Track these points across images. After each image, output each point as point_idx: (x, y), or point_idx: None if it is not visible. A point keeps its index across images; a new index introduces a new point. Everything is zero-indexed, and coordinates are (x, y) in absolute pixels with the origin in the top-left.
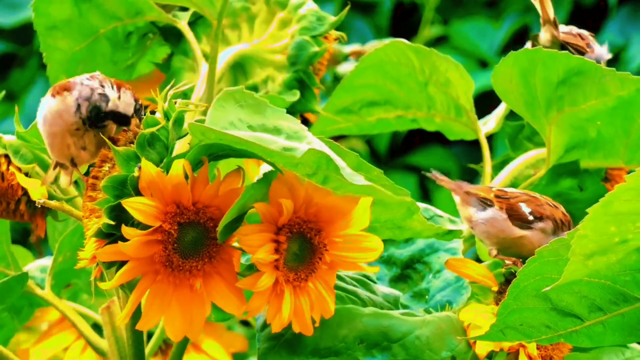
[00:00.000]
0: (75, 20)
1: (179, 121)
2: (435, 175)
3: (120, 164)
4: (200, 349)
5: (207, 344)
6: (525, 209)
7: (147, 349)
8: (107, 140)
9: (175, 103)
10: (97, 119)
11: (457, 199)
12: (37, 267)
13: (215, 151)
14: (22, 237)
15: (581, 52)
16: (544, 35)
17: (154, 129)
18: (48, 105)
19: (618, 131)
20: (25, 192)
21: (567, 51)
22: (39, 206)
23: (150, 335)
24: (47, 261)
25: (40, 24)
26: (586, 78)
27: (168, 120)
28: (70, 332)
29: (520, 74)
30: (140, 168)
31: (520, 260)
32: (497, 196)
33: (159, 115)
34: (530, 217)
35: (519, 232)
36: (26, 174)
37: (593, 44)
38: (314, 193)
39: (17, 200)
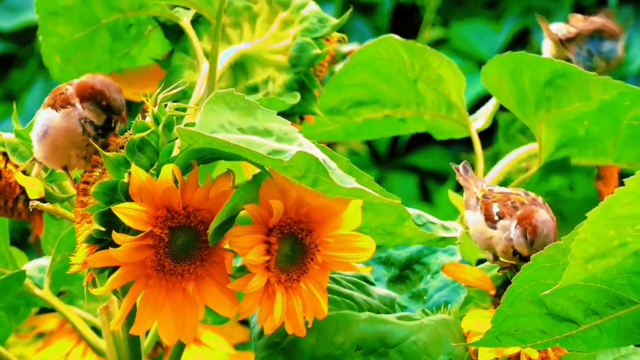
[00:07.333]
0: (77, 7)
1: (169, 125)
2: (458, 168)
3: (110, 169)
4: (200, 342)
5: (206, 336)
6: (495, 209)
7: (145, 345)
8: (96, 146)
9: (166, 106)
10: (105, 129)
11: (464, 198)
12: (36, 267)
13: (205, 155)
14: (21, 236)
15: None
16: (548, 50)
17: (143, 134)
18: (51, 120)
19: (606, 130)
20: (23, 191)
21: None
22: (32, 207)
23: (149, 331)
24: (45, 261)
25: (42, 9)
26: (570, 81)
27: (158, 124)
28: (70, 338)
29: (508, 74)
30: (130, 173)
31: (514, 263)
32: (484, 196)
33: (149, 119)
34: (496, 217)
35: (489, 232)
36: (24, 172)
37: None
38: (305, 194)
39: (15, 198)
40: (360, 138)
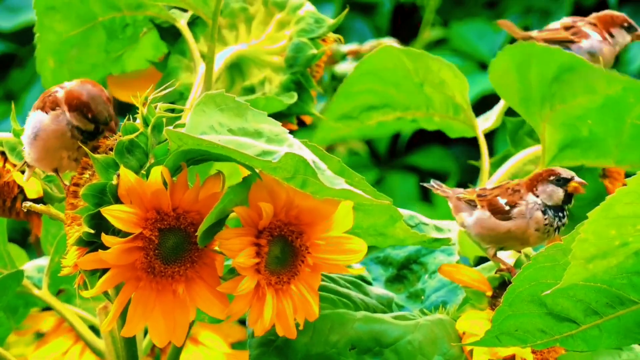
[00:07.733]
0: (75, 4)
1: (159, 127)
2: (432, 185)
3: (100, 171)
4: (197, 341)
5: (204, 335)
6: (502, 200)
7: (143, 345)
8: (85, 148)
9: (156, 108)
10: (93, 134)
11: (451, 206)
12: (34, 267)
13: (194, 156)
14: (21, 236)
15: (567, 44)
16: None
17: (132, 136)
18: (41, 122)
19: (609, 130)
20: (22, 190)
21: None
22: (26, 209)
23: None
24: (43, 261)
25: (40, 4)
26: (575, 75)
27: (147, 126)
28: (68, 337)
29: (516, 68)
30: (119, 175)
31: (513, 265)
32: (478, 196)
33: (139, 121)
34: (507, 207)
35: (504, 225)
36: (22, 172)
37: (587, 34)
38: (295, 196)
39: (13, 198)
40: (375, 135)
